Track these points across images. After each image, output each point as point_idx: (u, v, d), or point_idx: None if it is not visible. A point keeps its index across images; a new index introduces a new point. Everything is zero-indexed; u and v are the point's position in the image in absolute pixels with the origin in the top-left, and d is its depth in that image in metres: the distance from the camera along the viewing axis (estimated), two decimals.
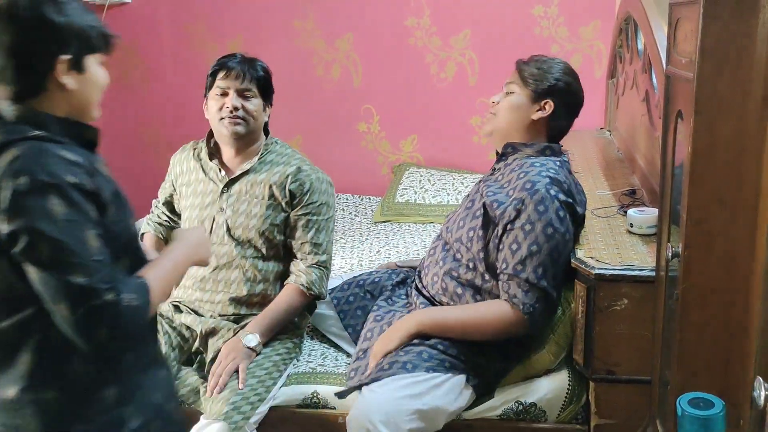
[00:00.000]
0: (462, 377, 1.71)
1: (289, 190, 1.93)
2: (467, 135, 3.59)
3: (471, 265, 1.77)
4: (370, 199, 3.63)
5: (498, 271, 1.71)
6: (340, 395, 1.76)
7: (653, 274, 1.45)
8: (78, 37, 1.18)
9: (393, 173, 3.67)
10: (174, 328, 1.95)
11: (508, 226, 1.68)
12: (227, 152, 2.01)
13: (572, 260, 1.65)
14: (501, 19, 3.44)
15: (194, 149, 2.07)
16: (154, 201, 2.22)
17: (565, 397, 1.76)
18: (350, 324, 2.01)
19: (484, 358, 1.75)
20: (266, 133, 2.05)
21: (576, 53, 3.44)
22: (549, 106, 1.80)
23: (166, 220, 2.16)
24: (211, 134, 2.03)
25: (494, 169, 1.88)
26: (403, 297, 1.99)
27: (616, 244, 1.71)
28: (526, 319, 1.66)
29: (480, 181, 1.92)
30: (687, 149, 1.12)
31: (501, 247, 1.70)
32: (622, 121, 2.88)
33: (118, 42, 1.30)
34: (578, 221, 1.77)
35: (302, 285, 1.92)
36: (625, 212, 1.85)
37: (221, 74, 1.93)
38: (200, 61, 3.68)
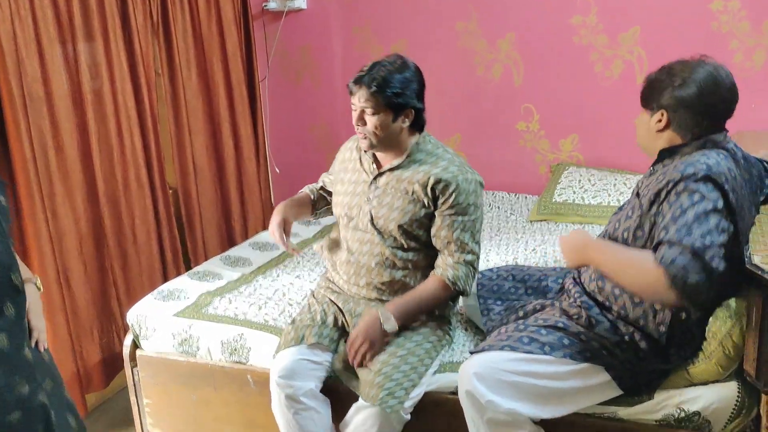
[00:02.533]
0: (604, 371, 1.71)
1: (431, 189, 1.96)
2: (632, 135, 3.43)
3: None
4: (526, 197, 3.62)
5: (656, 243, 1.54)
6: (473, 352, 1.82)
7: None
8: None
9: (551, 172, 3.62)
10: (333, 304, 2.09)
11: (664, 202, 1.57)
12: None
13: (747, 266, 1.57)
14: (675, 14, 3.28)
15: (358, 140, 2.17)
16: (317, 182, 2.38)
17: (734, 409, 1.68)
18: (488, 307, 2.07)
19: (639, 353, 1.71)
20: (421, 129, 2.06)
21: (759, 49, 3.20)
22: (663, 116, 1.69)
23: (321, 191, 2.30)
24: None
25: (653, 170, 1.78)
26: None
27: None
28: (662, 272, 1.43)
29: (639, 183, 1.81)
30: None
31: (659, 221, 1.57)
32: None
33: None
34: (734, 212, 1.56)
35: (448, 279, 1.96)
36: None
37: (351, 89, 1.95)
38: (366, 62, 3.86)
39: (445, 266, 1.98)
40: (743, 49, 3.21)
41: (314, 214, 2.31)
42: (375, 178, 2.05)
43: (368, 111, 1.93)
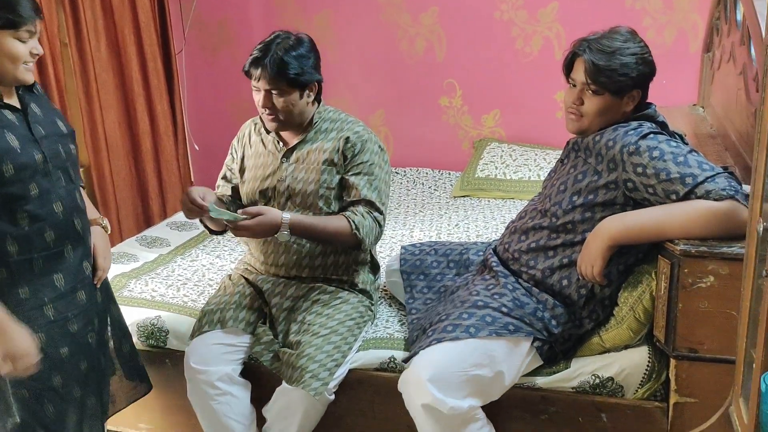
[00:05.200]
0: (527, 341, 1.74)
1: (343, 153, 1.98)
2: (551, 110, 3.53)
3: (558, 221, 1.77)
4: (449, 173, 3.64)
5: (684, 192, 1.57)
6: (405, 360, 1.81)
7: (742, 251, 1.41)
8: None
9: (474, 148, 3.66)
10: (250, 286, 2.05)
11: (629, 184, 1.64)
12: None
13: None
14: None
15: (254, 124, 2.13)
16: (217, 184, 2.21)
17: (644, 374, 1.74)
18: (411, 284, 2.08)
19: (553, 321, 1.76)
20: (319, 101, 2.05)
21: (669, 26, 3.31)
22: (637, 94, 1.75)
23: (229, 196, 2.16)
24: None
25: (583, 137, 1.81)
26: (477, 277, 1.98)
27: None
28: (730, 202, 1.52)
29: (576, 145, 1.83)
30: None
31: (648, 191, 1.62)
32: (717, 96, 2.76)
33: (30, 22, 1.46)
34: None
35: (352, 222, 1.91)
36: None
37: (252, 73, 1.91)
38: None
39: (354, 211, 1.94)
40: (656, 26, 3.31)
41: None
42: (285, 156, 2.02)
43: (275, 93, 1.90)
